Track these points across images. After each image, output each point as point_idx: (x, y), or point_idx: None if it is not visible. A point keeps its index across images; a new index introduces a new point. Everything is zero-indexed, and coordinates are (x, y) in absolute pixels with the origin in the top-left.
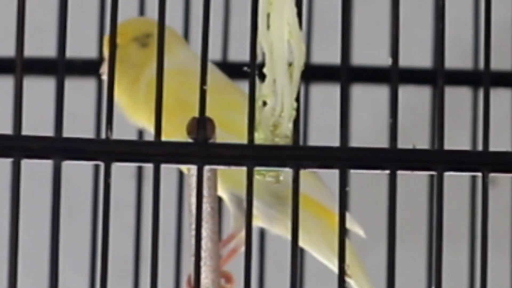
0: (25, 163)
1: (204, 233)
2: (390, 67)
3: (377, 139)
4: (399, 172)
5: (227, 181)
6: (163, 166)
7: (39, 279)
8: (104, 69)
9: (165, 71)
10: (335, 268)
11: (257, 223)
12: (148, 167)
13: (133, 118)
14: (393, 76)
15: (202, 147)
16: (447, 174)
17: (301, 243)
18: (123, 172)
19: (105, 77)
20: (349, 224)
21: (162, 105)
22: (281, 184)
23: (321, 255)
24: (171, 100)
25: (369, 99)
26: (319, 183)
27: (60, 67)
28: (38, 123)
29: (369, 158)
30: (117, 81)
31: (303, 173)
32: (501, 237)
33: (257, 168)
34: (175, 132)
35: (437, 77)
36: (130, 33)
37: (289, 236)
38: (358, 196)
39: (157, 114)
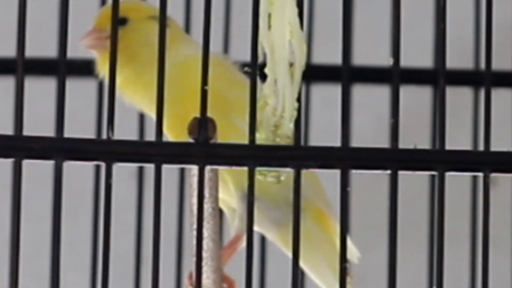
0: (26, 163)
1: (206, 233)
2: (391, 67)
3: (378, 139)
4: (400, 172)
5: (242, 180)
6: (164, 167)
7: (40, 279)
8: (96, 42)
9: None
10: None
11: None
12: (149, 167)
13: (135, 96)
14: (394, 76)
15: (203, 147)
16: (448, 174)
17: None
18: (124, 172)
19: (92, 50)
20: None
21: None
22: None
23: (319, 271)
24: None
25: (370, 99)
26: (329, 200)
27: (61, 67)
28: (39, 124)
29: (370, 158)
30: (125, 56)
31: (315, 185)
32: (502, 237)
33: (258, 168)
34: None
35: (438, 77)
36: (146, 10)
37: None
38: (359, 196)
39: (158, 113)
